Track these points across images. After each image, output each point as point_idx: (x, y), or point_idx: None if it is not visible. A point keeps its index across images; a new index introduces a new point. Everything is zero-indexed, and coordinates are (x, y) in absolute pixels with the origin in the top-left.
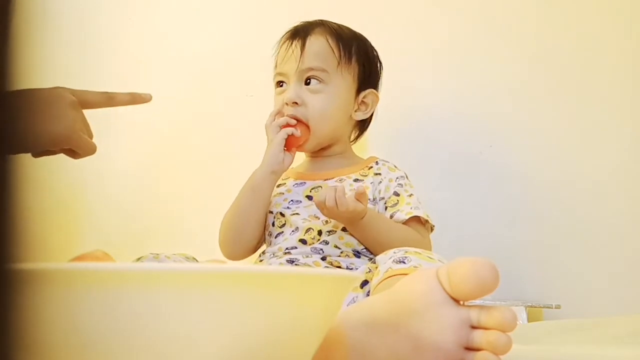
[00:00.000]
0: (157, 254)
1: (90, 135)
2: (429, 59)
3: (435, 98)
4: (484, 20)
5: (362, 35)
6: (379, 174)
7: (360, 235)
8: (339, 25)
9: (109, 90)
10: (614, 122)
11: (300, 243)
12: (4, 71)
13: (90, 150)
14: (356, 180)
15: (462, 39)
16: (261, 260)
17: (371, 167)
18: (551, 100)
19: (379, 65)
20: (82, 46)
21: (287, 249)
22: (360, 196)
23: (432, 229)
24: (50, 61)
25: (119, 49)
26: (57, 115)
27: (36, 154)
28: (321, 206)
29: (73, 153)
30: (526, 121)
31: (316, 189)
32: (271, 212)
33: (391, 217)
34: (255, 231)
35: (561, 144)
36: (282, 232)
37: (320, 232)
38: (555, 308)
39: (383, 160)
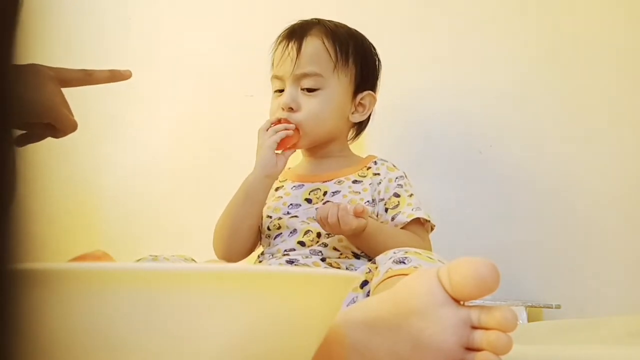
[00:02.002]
0: (156, 256)
1: (71, 113)
2: (429, 58)
3: (435, 98)
4: (484, 20)
5: (359, 33)
6: (378, 174)
7: (360, 244)
8: (336, 25)
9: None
10: (614, 122)
11: (299, 245)
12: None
13: (72, 126)
14: (355, 181)
15: (462, 39)
16: (260, 261)
17: (369, 167)
18: (551, 101)
19: (377, 64)
20: (82, 46)
21: (285, 250)
22: (360, 214)
23: (432, 229)
24: (50, 61)
25: (119, 49)
26: (36, 87)
27: (19, 141)
28: (323, 222)
29: (55, 131)
30: (526, 121)
31: (315, 192)
32: (270, 217)
33: (392, 219)
34: (249, 236)
35: (561, 144)
36: (281, 233)
37: (319, 235)
38: (555, 308)
39: (382, 160)
